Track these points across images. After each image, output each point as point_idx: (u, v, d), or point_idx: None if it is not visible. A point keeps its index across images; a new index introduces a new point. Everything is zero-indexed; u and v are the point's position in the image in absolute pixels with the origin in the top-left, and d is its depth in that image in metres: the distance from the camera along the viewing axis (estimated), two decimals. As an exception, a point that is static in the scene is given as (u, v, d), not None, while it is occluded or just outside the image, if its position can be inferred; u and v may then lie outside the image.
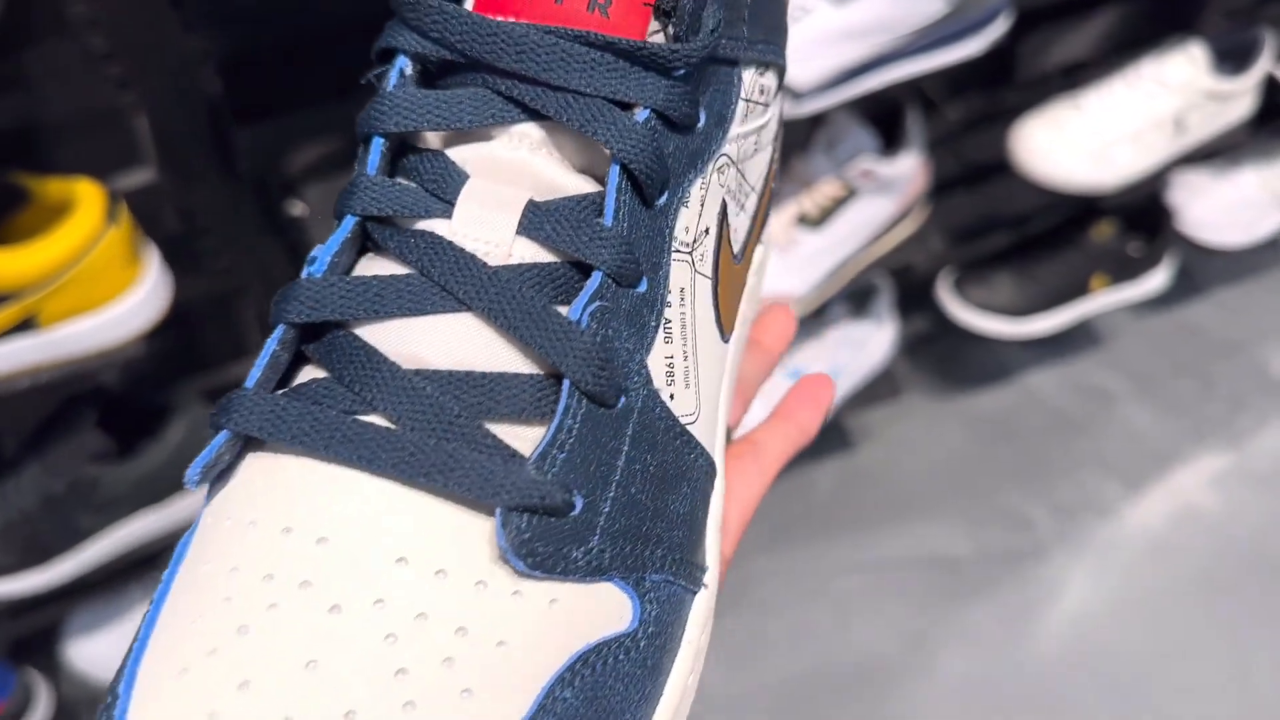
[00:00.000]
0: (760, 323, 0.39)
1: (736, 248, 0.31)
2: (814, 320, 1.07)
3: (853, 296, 1.11)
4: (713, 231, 0.29)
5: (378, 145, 0.26)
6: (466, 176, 0.26)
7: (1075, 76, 1.07)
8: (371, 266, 0.26)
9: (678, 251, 0.27)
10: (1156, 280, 1.20)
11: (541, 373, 0.24)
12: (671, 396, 0.27)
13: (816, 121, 0.94)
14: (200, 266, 0.72)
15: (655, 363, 0.26)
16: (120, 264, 0.63)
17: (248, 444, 0.24)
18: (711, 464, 0.29)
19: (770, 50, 0.31)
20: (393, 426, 0.23)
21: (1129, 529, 1.14)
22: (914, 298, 1.19)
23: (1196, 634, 1.04)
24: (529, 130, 0.26)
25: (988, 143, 1.06)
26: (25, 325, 0.62)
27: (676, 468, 0.27)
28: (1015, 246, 1.15)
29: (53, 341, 0.63)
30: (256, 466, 0.24)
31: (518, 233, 0.25)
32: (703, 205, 0.28)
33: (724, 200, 0.29)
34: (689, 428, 0.27)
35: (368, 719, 0.19)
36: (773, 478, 0.35)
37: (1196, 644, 1.03)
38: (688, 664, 0.26)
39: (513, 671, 0.21)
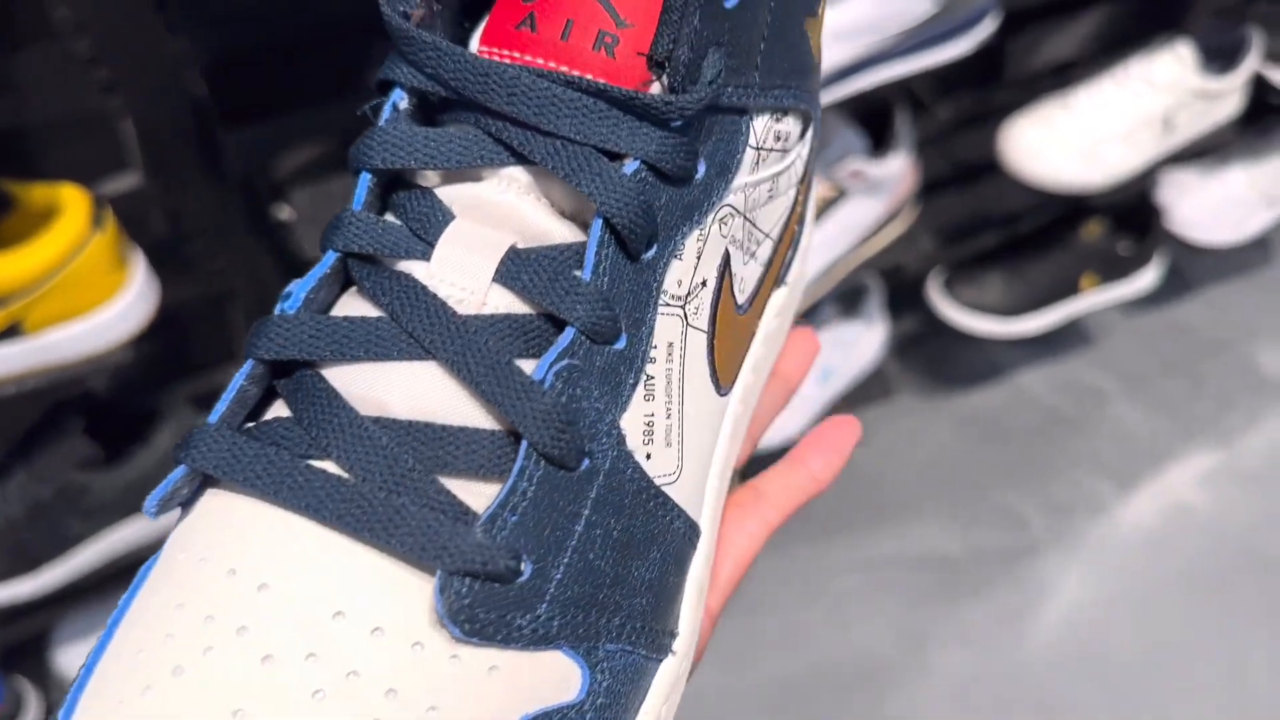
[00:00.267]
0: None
1: (742, 298, 0.30)
2: (804, 321, 1.07)
3: (843, 297, 1.11)
4: (710, 283, 0.28)
5: (365, 181, 0.26)
6: (452, 217, 0.25)
7: (1064, 76, 1.07)
8: (350, 305, 0.26)
9: (667, 305, 0.26)
10: (1146, 279, 1.21)
11: (502, 429, 0.24)
12: (648, 456, 0.26)
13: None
14: (188, 271, 0.72)
15: (631, 421, 0.25)
16: (106, 269, 0.63)
17: (210, 477, 0.24)
18: (692, 526, 0.28)
19: (789, 95, 0.29)
20: (344, 475, 0.23)
21: (1121, 527, 1.14)
22: (904, 298, 1.19)
23: (1189, 631, 1.04)
24: (517, 174, 0.25)
25: (977, 143, 1.06)
26: (11, 332, 0.62)
27: (646, 532, 0.26)
28: (1005, 246, 1.15)
29: (39, 348, 0.63)
30: (215, 502, 0.24)
31: (494, 280, 0.25)
32: (699, 257, 0.27)
33: (726, 250, 0.28)
34: (666, 488, 0.27)
35: None
36: (776, 528, 0.34)
37: (1189, 641, 1.04)
38: None
39: None
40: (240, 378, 0.25)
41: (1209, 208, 1.21)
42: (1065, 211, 1.17)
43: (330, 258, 0.26)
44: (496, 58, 0.25)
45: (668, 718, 0.27)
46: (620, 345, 0.25)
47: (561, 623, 0.23)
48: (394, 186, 0.26)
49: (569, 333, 0.24)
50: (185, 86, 0.63)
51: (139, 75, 0.61)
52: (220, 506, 0.23)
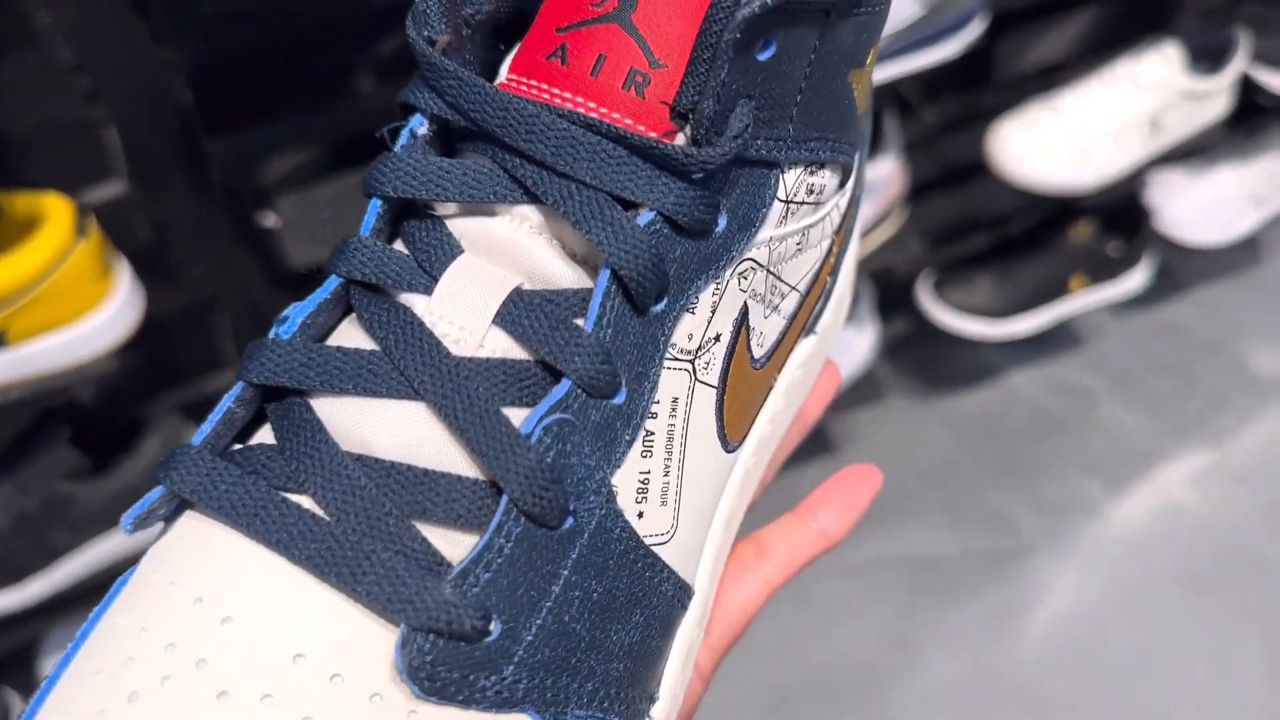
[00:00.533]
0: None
1: (759, 352, 0.29)
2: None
3: (833, 300, 1.11)
4: (725, 338, 0.27)
5: (375, 207, 0.25)
6: (460, 251, 0.25)
7: (1051, 78, 1.07)
8: (347, 333, 0.25)
9: (675, 359, 0.26)
10: (1135, 280, 1.21)
11: (486, 479, 0.23)
12: (640, 515, 0.25)
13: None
14: (173, 279, 0.71)
15: (625, 479, 0.25)
16: (90, 278, 0.62)
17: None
18: (682, 587, 0.27)
19: (826, 147, 0.28)
20: (320, 512, 0.22)
21: (1112, 527, 1.14)
22: (894, 300, 1.19)
23: (1180, 631, 1.04)
24: (530, 213, 0.25)
25: (965, 145, 1.06)
26: (-6, 342, 0.61)
27: (629, 595, 0.25)
28: (994, 248, 1.15)
29: (23, 359, 0.62)
30: (193, 524, 0.23)
31: (494, 321, 0.24)
32: (714, 311, 0.26)
33: (745, 305, 0.28)
34: (657, 548, 0.26)
35: None
36: (778, 587, 0.32)
37: (1180, 641, 1.04)
38: None
39: None
40: (229, 399, 0.24)
41: (1198, 208, 1.21)
42: (1054, 213, 1.17)
43: (332, 283, 0.25)
44: (523, 88, 0.25)
45: None
46: (619, 400, 0.24)
47: (529, 686, 0.22)
48: (406, 214, 0.26)
49: (564, 385, 0.23)
50: (169, 94, 0.63)
51: (123, 83, 0.61)
52: (197, 530, 0.23)
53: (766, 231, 0.27)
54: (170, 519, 0.24)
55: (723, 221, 0.26)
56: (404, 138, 0.26)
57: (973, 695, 1.01)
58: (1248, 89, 1.11)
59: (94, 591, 0.79)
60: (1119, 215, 1.20)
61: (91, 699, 0.21)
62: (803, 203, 0.28)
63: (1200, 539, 1.12)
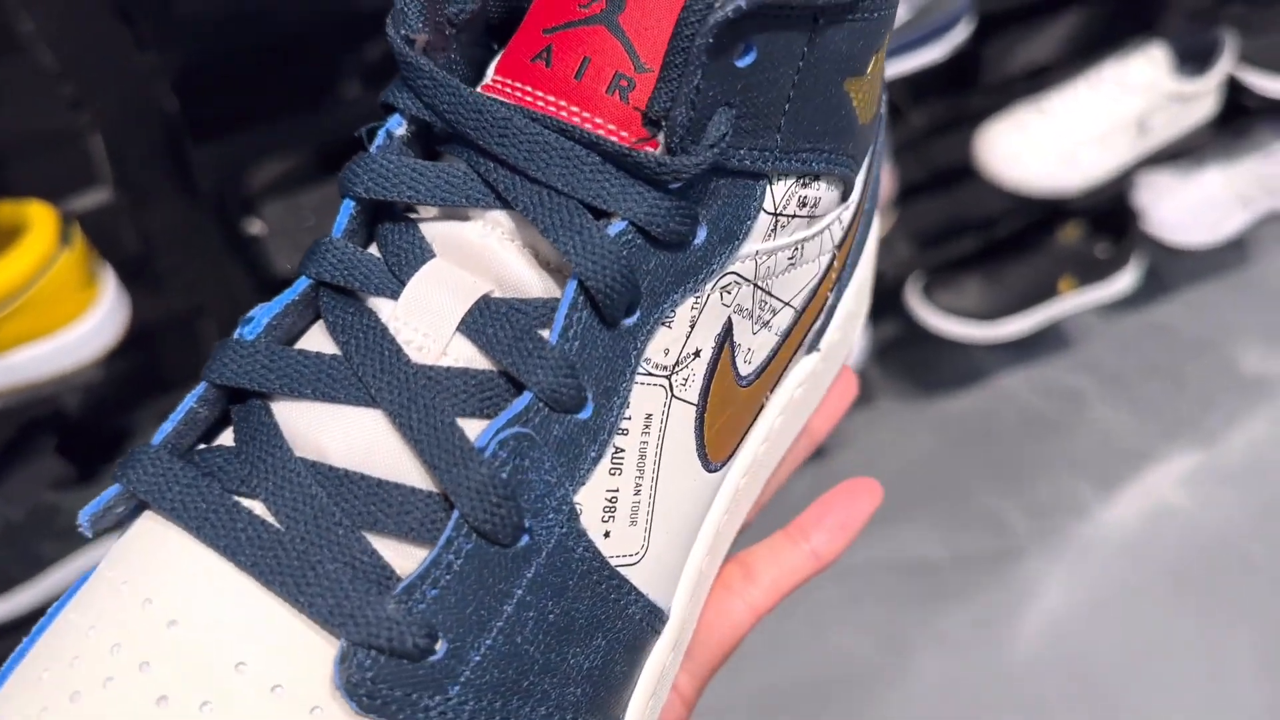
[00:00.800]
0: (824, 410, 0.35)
1: (746, 369, 0.28)
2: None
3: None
4: (705, 354, 0.26)
5: (347, 208, 0.25)
6: (431, 255, 0.24)
7: (1038, 80, 1.07)
8: (316, 337, 0.25)
9: (649, 374, 0.25)
10: (1124, 281, 1.21)
11: (439, 492, 0.22)
12: (607, 534, 0.24)
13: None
14: (159, 287, 0.71)
15: (590, 496, 0.24)
16: (75, 287, 0.62)
17: None
18: (653, 611, 0.26)
19: (820, 159, 0.27)
20: (270, 519, 0.22)
21: (1103, 529, 1.14)
22: (883, 303, 1.18)
23: (1172, 632, 1.04)
24: (502, 219, 0.24)
25: (953, 147, 1.06)
26: (-22, 351, 0.61)
27: (591, 617, 0.24)
28: (983, 250, 1.15)
29: (8, 367, 0.62)
30: (151, 524, 0.23)
31: (458, 329, 0.23)
32: (693, 326, 0.25)
33: (729, 320, 0.27)
34: (625, 569, 0.25)
35: None
36: (765, 612, 0.31)
37: (1172, 642, 1.04)
38: None
39: None
40: (190, 399, 0.24)
41: (1186, 209, 1.21)
42: (1042, 215, 1.17)
43: (301, 284, 0.25)
44: (506, 90, 0.24)
45: None
46: (584, 415, 0.23)
47: (475, 708, 0.22)
48: (382, 217, 0.25)
49: (525, 398, 0.23)
50: (154, 101, 0.63)
51: (107, 90, 0.61)
52: (154, 530, 0.23)
53: (752, 245, 0.26)
54: (132, 516, 0.24)
55: (702, 233, 0.25)
56: (380, 138, 0.25)
57: (964, 697, 1.01)
58: (1234, 90, 1.11)
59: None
60: (1107, 217, 1.20)
61: (35, 696, 0.21)
62: (794, 216, 0.27)
63: (1190, 539, 1.12)
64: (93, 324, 0.64)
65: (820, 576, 0.34)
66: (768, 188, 0.26)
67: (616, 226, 0.23)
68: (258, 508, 0.22)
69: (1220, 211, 1.23)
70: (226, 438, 0.24)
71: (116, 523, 0.24)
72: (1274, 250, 1.40)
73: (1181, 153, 1.14)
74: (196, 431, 0.24)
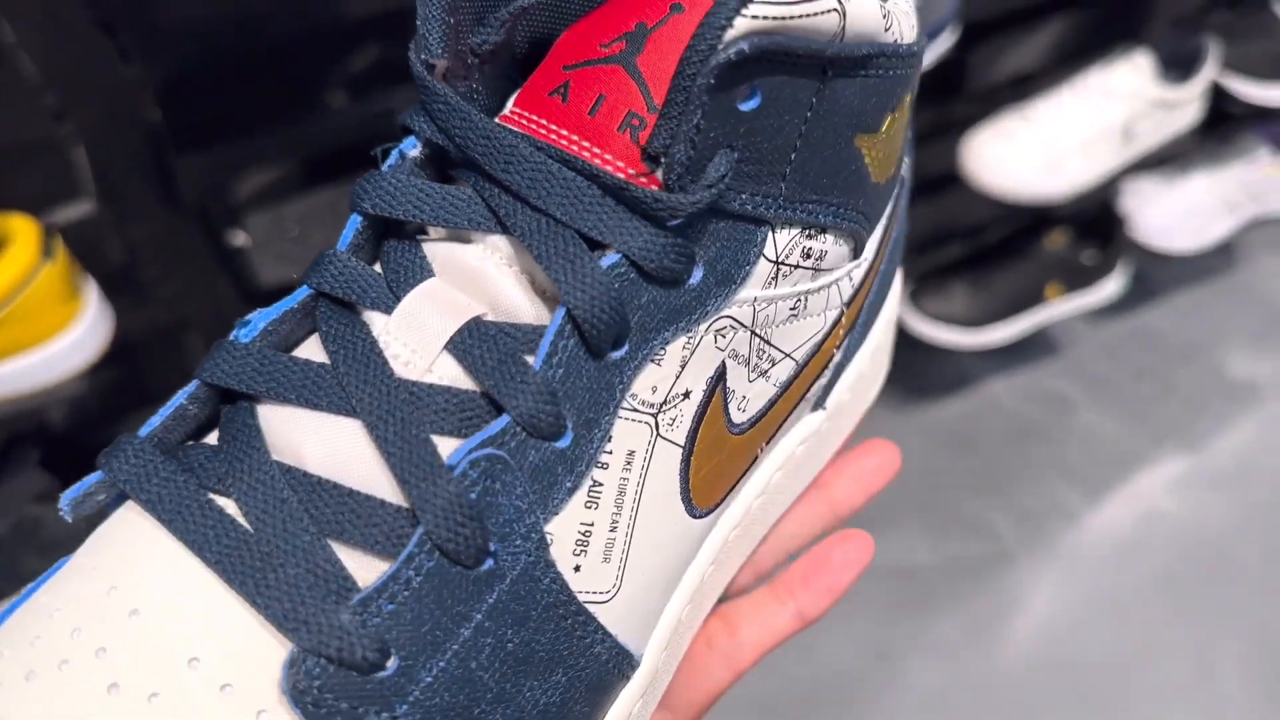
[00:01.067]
0: (841, 464, 0.35)
1: (740, 417, 0.28)
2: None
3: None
4: (696, 396, 0.26)
5: (354, 223, 0.26)
6: (429, 275, 0.25)
7: (1024, 88, 1.07)
8: (313, 346, 0.25)
9: (635, 410, 0.25)
10: (1111, 287, 1.21)
11: (408, 506, 0.22)
12: (577, 569, 0.24)
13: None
14: (143, 299, 0.71)
15: (563, 528, 0.24)
16: (58, 300, 0.62)
17: None
18: (621, 653, 0.26)
19: (826, 212, 0.27)
20: (240, 519, 0.22)
21: (1092, 534, 1.14)
22: (872, 310, 1.18)
23: (1162, 637, 1.04)
24: (501, 244, 0.24)
25: (938, 155, 1.07)
26: (-40, 366, 0.61)
27: (552, 651, 0.24)
28: (969, 257, 1.16)
29: (-10, 381, 0.62)
30: (129, 514, 0.23)
31: (446, 348, 0.24)
32: (683, 366, 0.25)
33: (723, 364, 0.27)
34: (594, 607, 0.25)
35: None
36: (746, 669, 0.31)
37: (1162, 647, 1.04)
38: None
39: None
40: (181, 395, 0.24)
41: (1172, 215, 1.22)
42: (1028, 222, 1.18)
43: (301, 293, 0.25)
44: (523, 122, 0.25)
45: None
46: (562, 444, 0.23)
47: None
48: (390, 234, 0.26)
49: (502, 420, 0.23)
50: (138, 112, 0.63)
51: (90, 101, 0.60)
52: (131, 519, 0.23)
53: (750, 290, 0.26)
54: (115, 505, 0.24)
55: (698, 273, 0.25)
56: (393, 157, 0.26)
57: (955, 704, 1.01)
58: (1219, 97, 1.12)
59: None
60: (1093, 223, 1.20)
61: None
62: (798, 266, 0.27)
63: (1179, 544, 1.12)
64: (76, 337, 0.64)
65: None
66: (770, 235, 0.26)
67: (610, 259, 0.24)
68: (230, 507, 0.22)
69: (1206, 217, 1.24)
70: (214, 437, 0.24)
71: (98, 510, 0.24)
72: (1260, 255, 1.41)
73: (1167, 159, 1.14)
74: (185, 428, 0.24)
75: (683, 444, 0.26)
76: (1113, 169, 1.07)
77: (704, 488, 0.27)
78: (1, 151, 0.68)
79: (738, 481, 0.29)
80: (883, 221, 0.31)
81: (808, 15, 0.23)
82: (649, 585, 0.26)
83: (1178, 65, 1.08)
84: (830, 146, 0.26)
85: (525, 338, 0.24)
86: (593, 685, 0.25)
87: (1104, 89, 1.04)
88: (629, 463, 0.25)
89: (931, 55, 0.88)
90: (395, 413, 0.23)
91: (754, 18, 0.22)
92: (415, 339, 0.24)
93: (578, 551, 0.24)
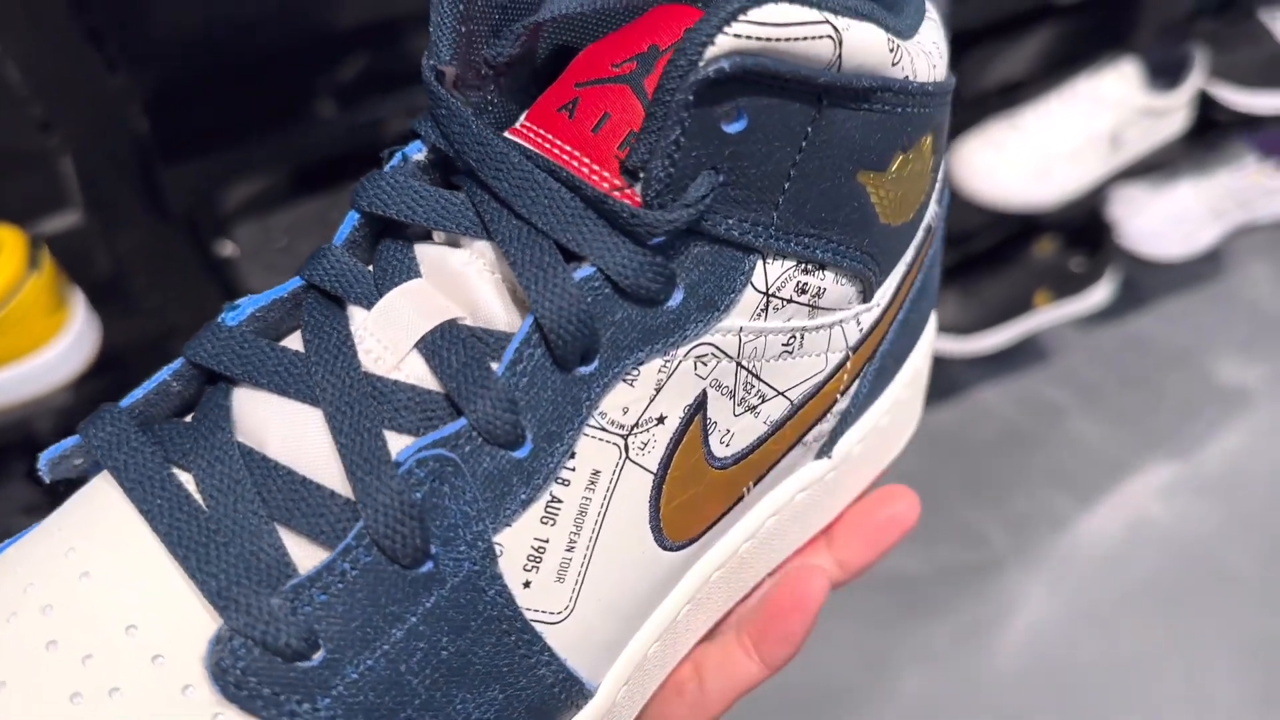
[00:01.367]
0: (852, 516, 0.33)
1: (723, 450, 0.27)
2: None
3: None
4: (671, 422, 0.25)
5: (351, 219, 0.26)
6: (416, 276, 0.25)
7: (1012, 96, 1.08)
8: (299, 338, 0.25)
9: (604, 429, 0.24)
10: (1100, 294, 1.22)
11: (355, 499, 0.22)
12: (527, 584, 0.24)
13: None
14: (130, 309, 0.71)
15: (514, 540, 0.23)
16: (44, 311, 0.61)
17: None
18: (573, 681, 0.25)
19: (824, 248, 0.26)
20: (196, 494, 0.22)
21: (1082, 541, 1.14)
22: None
23: (1152, 643, 1.05)
24: (486, 250, 0.24)
25: (928, 163, 1.07)
26: (-54, 377, 0.60)
27: (490, 666, 0.23)
28: (958, 265, 1.16)
29: (-24, 392, 0.62)
30: (102, 482, 0.24)
31: (416, 346, 0.24)
32: (658, 389, 0.25)
33: (704, 393, 0.26)
34: (541, 627, 0.24)
35: None
36: (714, 718, 0.30)
37: (1152, 653, 1.04)
38: None
39: None
40: (165, 372, 0.25)
41: (1160, 222, 1.22)
42: (1017, 229, 1.18)
43: (293, 283, 0.26)
44: (529, 135, 0.25)
45: None
46: (520, 454, 0.23)
47: None
48: (386, 234, 0.26)
49: (459, 423, 0.23)
50: (125, 123, 0.62)
51: (78, 112, 0.60)
52: (103, 487, 0.23)
53: (736, 320, 0.25)
54: (94, 472, 0.24)
55: (678, 296, 0.24)
56: (395, 160, 0.26)
57: (946, 711, 1.01)
58: (1205, 104, 1.12)
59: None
60: (1082, 231, 1.21)
61: None
62: (791, 301, 0.26)
63: (1169, 551, 1.13)
64: (63, 347, 0.63)
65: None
66: (760, 264, 0.25)
67: (584, 271, 0.23)
68: (190, 482, 0.23)
69: (1193, 224, 1.24)
70: (191, 415, 0.25)
71: (77, 475, 0.24)
72: (1248, 262, 1.41)
73: (1155, 166, 1.15)
74: (168, 404, 0.25)
75: (654, 470, 0.26)
76: (1101, 176, 1.07)
77: (677, 519, 0.27)
78: (-11, 162, 0.67)
79: (719, 519, 0.29)
80: (900, 268, 0.30)
81: (796, 39, 0.22)
82: (608, 612, 0.26)
83: (1165, 73, 1.08)
84: (829, 179, 0.25)
85: (495, 344, 0.24)
86: (534, 708, 0.25)
87: (1092, 97, 1.05)
88: (593, 482, 0.24)
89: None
90: (354, 405, 0.23)
91: (737, 36, 0.21)
92: (389, 336, 0.24)
93: (529, 567, 0.24)
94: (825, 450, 0.31)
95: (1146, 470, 1.21)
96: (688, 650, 0.30)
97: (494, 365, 0.23)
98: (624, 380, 0.24)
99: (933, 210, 0.31)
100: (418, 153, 0.26)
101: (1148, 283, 1.36)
